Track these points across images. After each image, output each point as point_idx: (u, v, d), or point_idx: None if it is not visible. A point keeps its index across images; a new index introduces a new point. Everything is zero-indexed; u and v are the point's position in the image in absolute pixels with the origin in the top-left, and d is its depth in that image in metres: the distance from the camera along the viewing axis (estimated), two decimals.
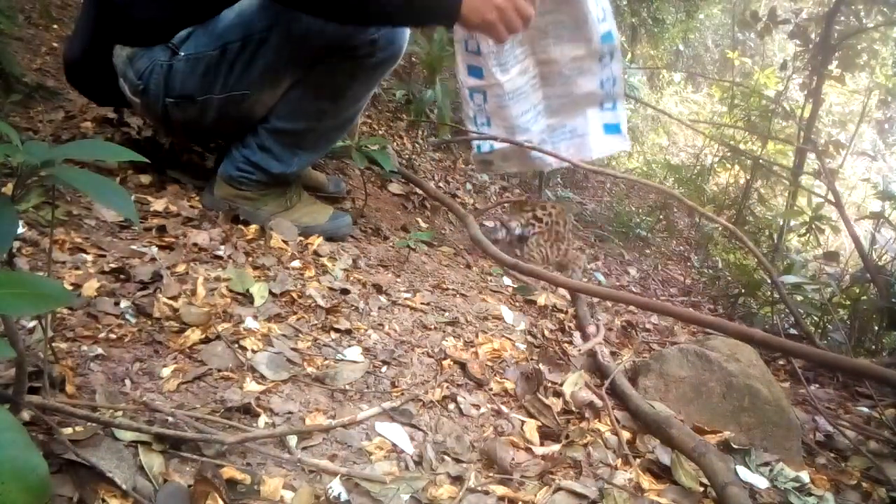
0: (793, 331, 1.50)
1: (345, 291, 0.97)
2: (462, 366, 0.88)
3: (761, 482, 0.80)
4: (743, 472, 0.81)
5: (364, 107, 1.17)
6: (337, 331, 0.86)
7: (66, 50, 1.13)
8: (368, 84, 1.09)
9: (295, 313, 0.88)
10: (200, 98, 1.04)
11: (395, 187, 1.64)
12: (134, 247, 0.90)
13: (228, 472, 0.58)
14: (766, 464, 0.84)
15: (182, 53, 1.02)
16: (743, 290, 1.76)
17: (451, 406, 0.79)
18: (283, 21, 0.99)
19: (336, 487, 0.60)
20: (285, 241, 1.06)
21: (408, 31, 1.07)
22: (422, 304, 1.03)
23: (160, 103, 1.05)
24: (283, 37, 0.99)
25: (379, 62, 1.04)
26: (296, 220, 1.13)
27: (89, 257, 0.84)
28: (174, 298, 0.80)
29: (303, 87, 1.05)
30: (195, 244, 0.95)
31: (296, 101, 1.06)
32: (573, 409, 0.86)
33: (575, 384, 0.90)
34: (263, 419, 0.67)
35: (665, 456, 0.78)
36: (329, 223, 1.16)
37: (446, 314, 1.02)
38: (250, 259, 0.97)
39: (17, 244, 0.81)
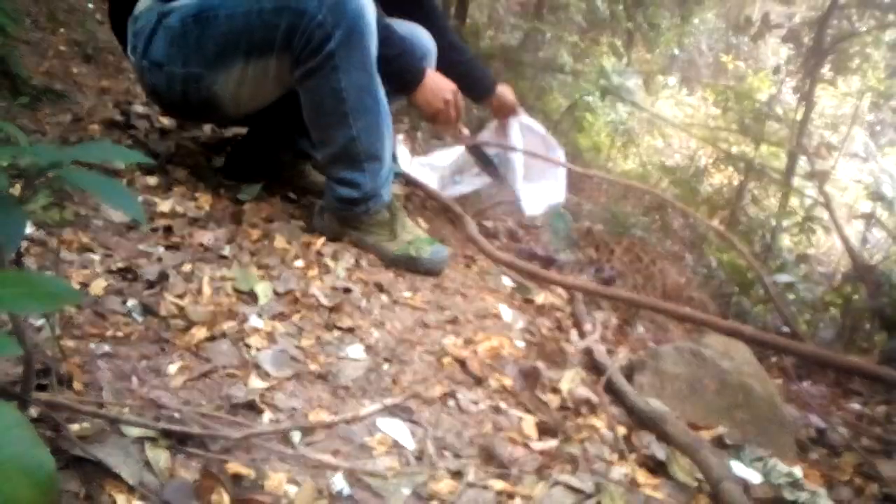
0: (785, 329, 1.51)
1: (347, 290, 0.98)
2: (461, 363, 0.89)
3: (755, 477, 0.81)
4: (737, 467, 0.82)
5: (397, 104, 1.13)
6: (339, 329, 0.88)
7: None
8: (358, 67, 1.00)
9: (298, 312, 0.89)
10: (166, 68, 1.06)
11: (396, 188, 1.65)
12: (141, 247, 0.92)
13: (233, 467, 0.59)
14: (760, 459, 0.85)
15: (164, 22, 1.05)
16: (737, 290, 1.78)
17: (451, 402, 0.80)
18: (229, 3, 0.99)
19: (338, 482, 0.61)
20: (288, 242, 1.07)
21: None
22: (422, 302, 1.04)
23: (140, 64, 1.09)
24: (228, 19, 0.99)
25: (343, 42, 0.96)
26: (401, 250, 1.12)
27: (97, 257, 0.85)
28: (180, 297, 0.81)
29: (305, 105, 1.05)
30: (201, 244, 0.96)
31: (313, 122, 1.06)
32: (570, 405, 0.87)
33: (572, 381, 0.91)
34: (267, 415, 0.68)
35: (660, 451, 0.79)
36: (430, 257, 1.14)
37: (446, 313, 1.03)
38: (255, 259, 0.98)
39: (25, 244, 0.82)
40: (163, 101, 1.15)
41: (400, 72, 1.15)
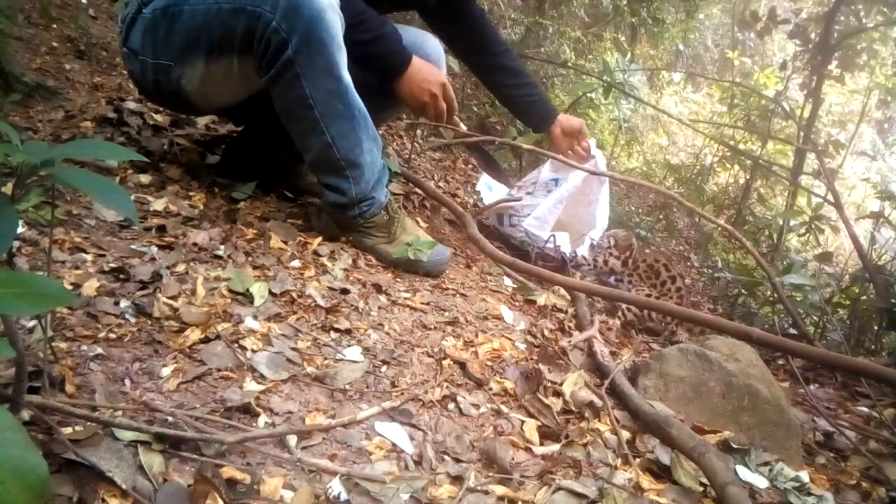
0: (792, 331, 1.50)
1: (345, 291, 0.97)
2: (462, 365, 0.88)
3: (761, 482, 0.80)
4: (742, 471, 0.81)
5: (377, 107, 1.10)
6: (337, 330, 0.87)
7: None
8: (323, 73, 0.96)
9: (295, 313, 0.88)
10: (140, 57, 1.07)
11: (394, 187, 1.64)
12: (134, 246, 0.91)
13: (228, 471, 0.58)
14: (766, 463, 0.84)
15: (143, 11, 1.05)
16: (743, 291, 1.76)
17: (451, 406, 0.79)
18: (194, 0, 0.99)
19: (336, 487, 0.60)
20: (284, 241, 1.06)
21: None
22: (421, 303, 1.03)
23: (122, 51, 1.11)
24: (191, 15, 1.00)
25: (301, 48, 0.92)
26: (399, 253, 1.11)
27: (89, 257, 0.84)
28: (174, 298, 0.80)
29: (279, 112, 1.03)
30: (195, 244, 0.95)
31: (289, 128, 1.05)
32: (573, 408, 0.86)
33: (575, 384, 0.90)
34: (263, 419, 0.67)
35: (665, 455, 0.78)
36: (429, 260, 1.12)
37: (446, 314, 1.02)
38: (250, 259, 0.97)
39: (16, 244, 0.81)
40: (141, 88, 1.16)
41: (377, 58, 1.09)
